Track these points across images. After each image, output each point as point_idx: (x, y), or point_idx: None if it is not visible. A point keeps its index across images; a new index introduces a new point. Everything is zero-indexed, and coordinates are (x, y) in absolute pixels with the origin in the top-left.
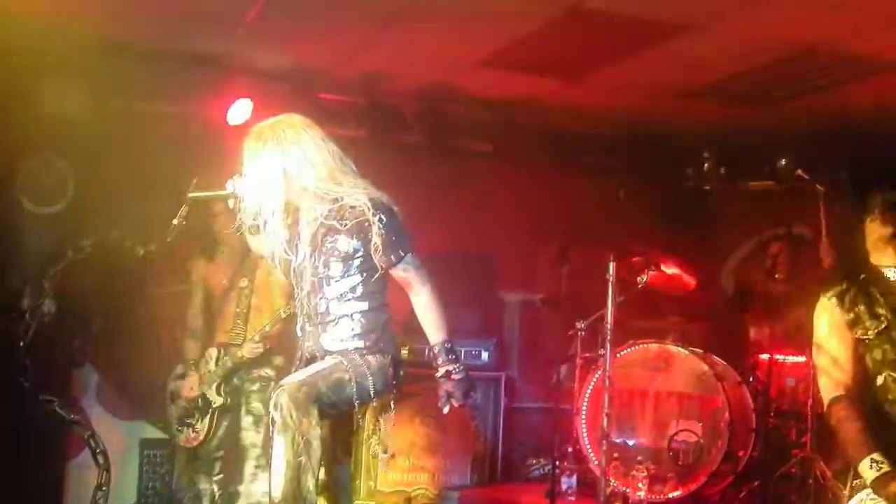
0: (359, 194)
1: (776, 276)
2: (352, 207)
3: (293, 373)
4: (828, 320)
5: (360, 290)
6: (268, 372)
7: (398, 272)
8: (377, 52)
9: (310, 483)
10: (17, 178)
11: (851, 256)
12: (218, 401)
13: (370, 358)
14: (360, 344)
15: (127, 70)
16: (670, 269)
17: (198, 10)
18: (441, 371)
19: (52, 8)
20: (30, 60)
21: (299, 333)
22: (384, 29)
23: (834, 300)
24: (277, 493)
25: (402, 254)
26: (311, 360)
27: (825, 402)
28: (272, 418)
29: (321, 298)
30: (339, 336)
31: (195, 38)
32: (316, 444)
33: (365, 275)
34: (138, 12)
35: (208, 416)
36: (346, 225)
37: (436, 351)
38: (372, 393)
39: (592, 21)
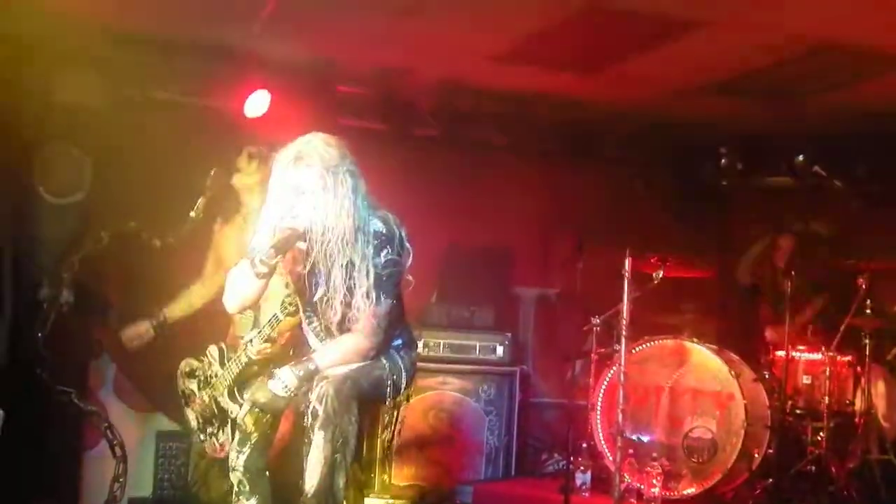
0: None
1: (783, 270)
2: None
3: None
4: None
5: None
6: None
7: None
8: (394, 45)
9: (341, 481)
10: (35, 168)
11: None
12: (235, 410)
13: (403, 354)
14: (396, 341)
15: (145, 60)
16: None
17: None
18: None
19: None
20: (47, 50)
21: (313, 338)
22: (402, 21)
23: None
24: (311, 489)
25: None
26: None
27: None
28: (314, 410)
29: (346, 304)
30: None
31: (212, 28)
32: (352, 442)
33: None
34: (155, 1)
35: (229, 426)
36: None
37: None
38: (403, 388)
39: (610, 15)
